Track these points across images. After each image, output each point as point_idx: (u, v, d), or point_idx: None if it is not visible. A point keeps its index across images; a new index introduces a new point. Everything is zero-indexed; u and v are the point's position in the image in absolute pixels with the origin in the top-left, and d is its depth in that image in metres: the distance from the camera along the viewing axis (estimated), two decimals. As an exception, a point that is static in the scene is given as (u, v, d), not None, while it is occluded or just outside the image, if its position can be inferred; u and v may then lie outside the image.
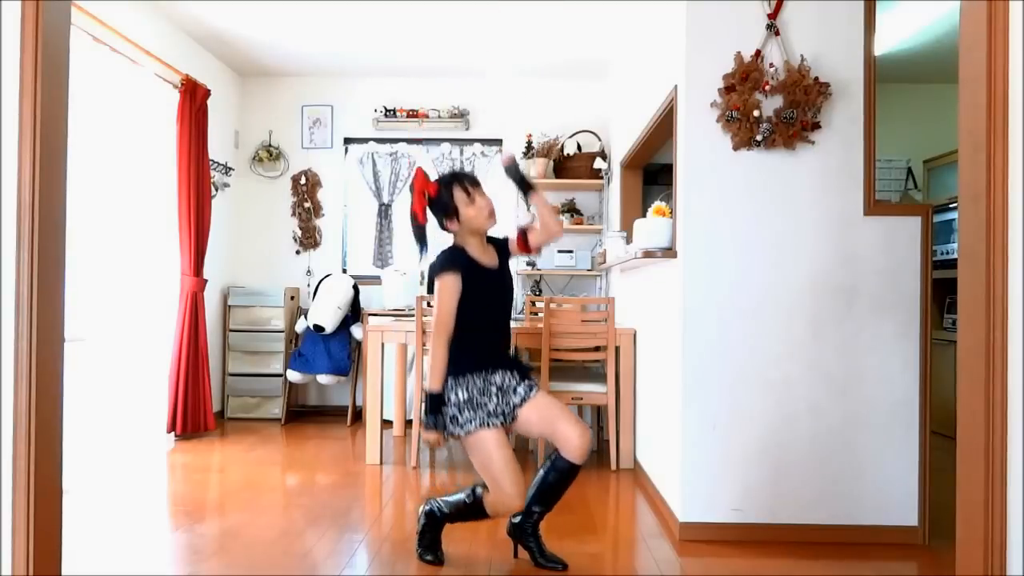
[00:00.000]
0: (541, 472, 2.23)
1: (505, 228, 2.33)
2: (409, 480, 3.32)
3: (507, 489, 2.10)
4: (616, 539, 2.55)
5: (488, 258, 2.28)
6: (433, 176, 2.27)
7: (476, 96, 5.12)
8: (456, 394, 2.15)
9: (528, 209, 2.31)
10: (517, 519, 2.28)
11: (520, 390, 2.23)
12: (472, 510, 2.22)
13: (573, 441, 2.17)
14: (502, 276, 2.30)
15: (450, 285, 2.14)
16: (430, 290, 2.21)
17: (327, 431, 4.48)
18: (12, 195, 1.29)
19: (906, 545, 2.48)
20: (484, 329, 2.23)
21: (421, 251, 2.31)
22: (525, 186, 2.28)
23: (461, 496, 2.24)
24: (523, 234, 2.32)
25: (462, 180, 2.23)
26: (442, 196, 2.21)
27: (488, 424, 2.12)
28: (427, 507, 2.31)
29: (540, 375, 3.50)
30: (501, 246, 2.35)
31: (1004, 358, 1.10)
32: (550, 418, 2.20)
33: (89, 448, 3.40)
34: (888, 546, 2.47)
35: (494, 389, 2.18)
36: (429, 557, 2.28)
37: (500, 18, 4.06)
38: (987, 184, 1.12)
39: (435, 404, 2.12)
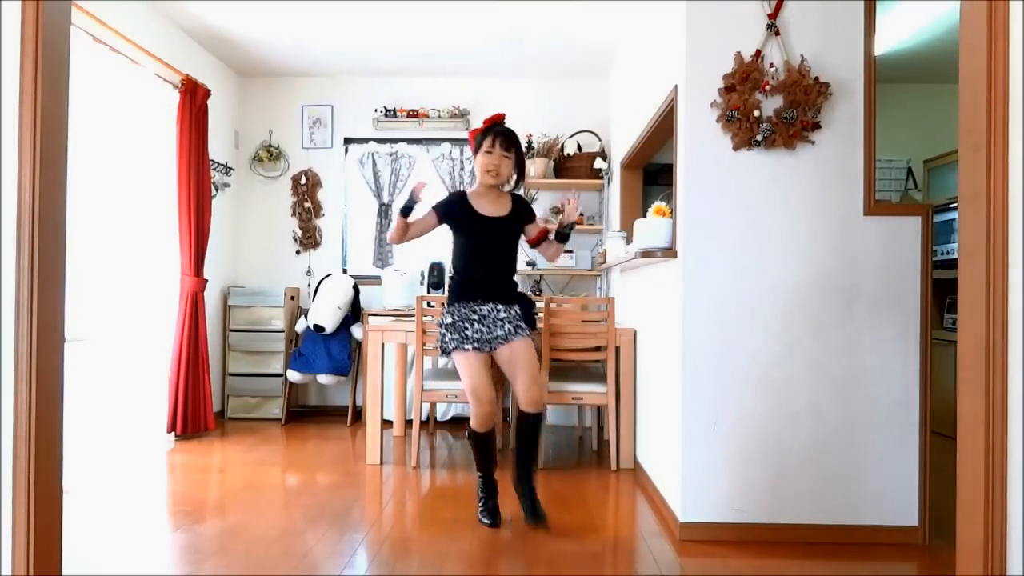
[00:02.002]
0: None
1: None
2: (409, 480, 3.32)
3: (473, 396, 2.52)
4: (616, 539, 2.55)
5: (493, 206, 2.61)
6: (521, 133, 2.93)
7: (476, 96, 5.12)
8: (444, 319, 2.61)
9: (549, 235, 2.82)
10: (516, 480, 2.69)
11: (506, 327, 2.56)
12: (471, 440, 2.64)
13: (523, 394, 2.54)
14: (498, 225, 2.61)
15: (426, 216, 2.63)
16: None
17: (327, 431, 4.48)
18: (12, 195, 1.29)
19: (906, 545, 2.48)
20: (473, 266, 2.62)
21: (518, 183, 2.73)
22: (565, 238, 2.72)
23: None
24: (541, 234, 2.76)
25: (493, 133, 2.56)
26: (476, 140, 2.60)
27: (462, 347, 2.54)
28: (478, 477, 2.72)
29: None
30: (521, 206, 2.69)
31: (1004, 358, 1.10)
32: (514, 367, 2.55)
33: (89, 448, 3.40)
34: (888, 546, 2.47)
35: (476, 317, 2.56)
36: (486, 520, 2.60)
37: (500, 18, 4.06)
38: (987, 184, 1.12)
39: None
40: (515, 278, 2.75)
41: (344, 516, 2.73)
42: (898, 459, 2.50)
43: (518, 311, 2.64)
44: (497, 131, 2.58)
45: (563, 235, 2.71)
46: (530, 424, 2.62)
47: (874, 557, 2.38)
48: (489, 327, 2.57)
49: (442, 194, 4.97)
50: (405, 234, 2.61)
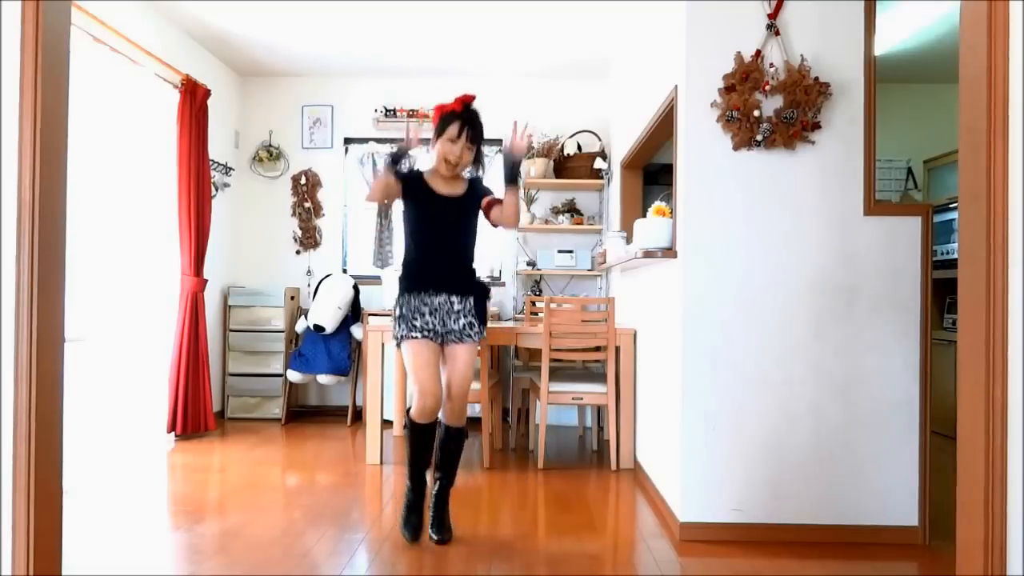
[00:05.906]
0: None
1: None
2: (409, 480, 3.31)
3: (417, 387, 2.33)
4: (616, 539, 2.55)
5: (448, 186, 2.44)
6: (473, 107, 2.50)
7: (476, 96, 5.10)
8: (396, 309, 2.43)
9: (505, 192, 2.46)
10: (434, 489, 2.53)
11: (461, 322, 2.41)
12: (409, 431, 2.45)
13: (444, 404, 2.42)
14: (454, 205, 2.44)
15: (389, 178, 2.38)
16: None
17: (327, 431, 4.48)
18: (12, 195, 1.29)
19: (906, 545, 2.48)
20: (426, 251, 2.43)
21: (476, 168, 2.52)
22: (514, 176, 2.40)
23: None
24: (491, 203, 2.48)
25: (462, 121, 2.38)
26: (442, 120, 2.39)
27: (410, 336, 2.37)
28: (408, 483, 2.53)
29: (541, 375, 3.51)
30: (477, 186, 2.51)
31: (1004, 358, 1.10)
32: (449, 373, 2.41)
33: (89, 448, 3.40)
34: (888, 546, 2.47)
35: (426, 309, 2.39)
36: (407, 534, 2.43)
37: (500, 18, 4.06)
38: (987, 184, 1.12)
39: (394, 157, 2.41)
40: (474, 265, 2.54)
41: (344, 516, 2.73)
42: (898, 459, 2.50)
43: (472, 304, 2.44)
44: (466, 119, 2.37)
45: (511, 173, 2.36)
46: (451, 437, 2.48)
47: (874, 557, 2.37)
48: (443, 320, 2.39)
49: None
50: (386, 193, 2.36)
